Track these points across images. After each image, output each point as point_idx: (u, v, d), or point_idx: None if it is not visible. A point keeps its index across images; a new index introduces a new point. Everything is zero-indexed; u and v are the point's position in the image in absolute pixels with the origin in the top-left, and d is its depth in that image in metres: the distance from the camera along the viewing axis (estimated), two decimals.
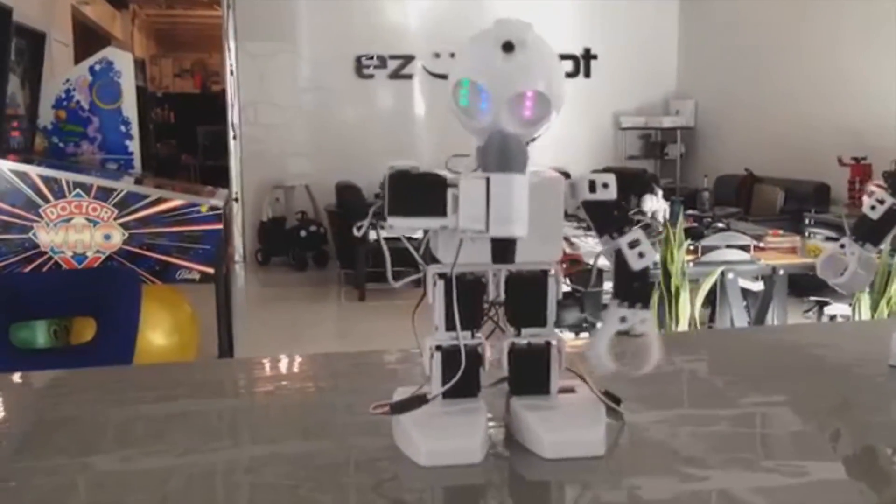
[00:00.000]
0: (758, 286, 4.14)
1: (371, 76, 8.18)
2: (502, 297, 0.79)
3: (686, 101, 8.18)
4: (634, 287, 0.77)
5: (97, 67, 5.29)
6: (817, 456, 0.83)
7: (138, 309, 4.17)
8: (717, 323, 3.99)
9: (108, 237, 4.48)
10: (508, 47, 0.72)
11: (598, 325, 0.81)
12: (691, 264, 3.82)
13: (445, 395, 0.78)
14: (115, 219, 4.43)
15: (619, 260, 0.77)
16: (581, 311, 4.25)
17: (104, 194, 4.38)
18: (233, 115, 7.89)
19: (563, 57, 8.45)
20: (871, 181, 5.70)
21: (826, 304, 4.60)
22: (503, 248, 0.74)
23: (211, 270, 4.56)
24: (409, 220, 0.74)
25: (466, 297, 0.78)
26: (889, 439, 0.91)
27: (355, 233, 0.80)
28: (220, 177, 8.28)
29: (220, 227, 4.62)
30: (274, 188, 7.94)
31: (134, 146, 5.54)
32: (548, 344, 0.80)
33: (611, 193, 0.76)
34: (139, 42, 12.61)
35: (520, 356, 0.79)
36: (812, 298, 4.55)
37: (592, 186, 0.76)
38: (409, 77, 8.24)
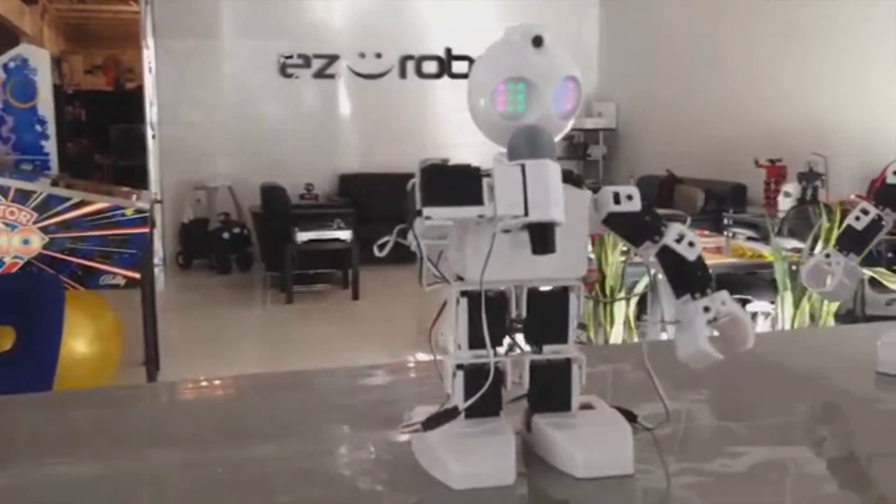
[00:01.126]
0: None
1: (295, 75, 8.07)
2: (523, 313, 0.79)
3: (608, 103, 8.34)
4: (698, 276, 0.77)
5: (11, 65, 5.07)
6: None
7: (61, 317, 4.02)
8: (649, 319, 4.07)
9: (26, 242, 4.30)
10: (538, 41, 0.73)
11: (670, 329, 0.80)
12: (624, 265, 3.89)
13: (468, 414, 0.77)
14: (35, 223, 4.26)
15: (671, 258, 0.77)
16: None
17: (22, 197, 4.20)
18: (151, 113, 7.67)
19: (458, 58, 8.51)
20: (785, 182, 5.93)
21: (748, 301, 4.75)
22: (542, 237, 0.72)
23: (137, 276, 4.43)
24: (446, 210, 0.72)
25: (490, 315, 0.77)
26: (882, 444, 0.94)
27: (377, 252, 0.78)
28: (135, 176, 8.04)
29: (147, 230, 4.48)
30: (195, 189, 7.75)
31: (50, 146, 5.33)
32: (568, 360, 0.79)
33: (636, 205, 0.76)
34: (48, 37, 12.14)
35: (542, 373, 0.79)
36: (735, 296, 4.68)
37: (617, 198, 0.76)
38: (334, 77, 8.17)
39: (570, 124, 0.76)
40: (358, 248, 6.67)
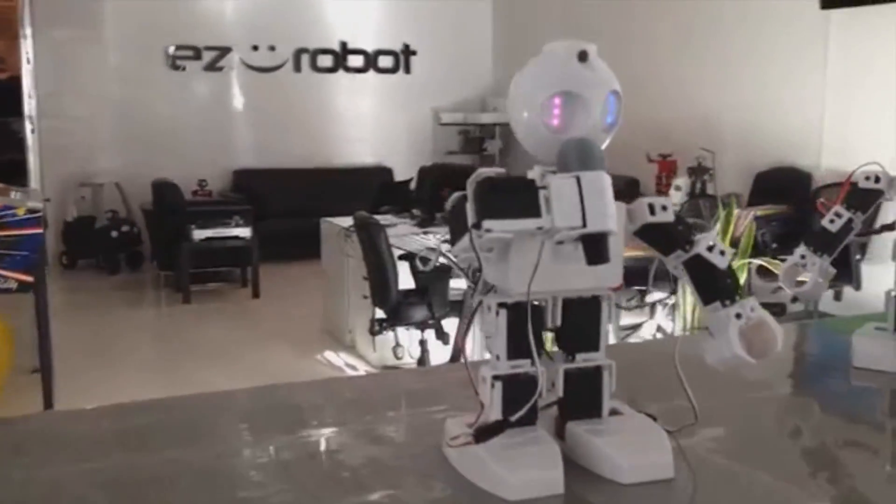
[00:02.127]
0: None
1: (184, 68, 7.82)
2: (558, 323, 0.80)
3: (503, 97, 8.45)
4: (728, 283, 0.79)
5: None
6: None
7: None
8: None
9: None
10: (584, 56, 0.74)
11: (708, 339, 0.81)
12: None
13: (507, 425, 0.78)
14: None
15: (701, 266, 0.79)
16: (429, 308, 4.29)
17: None
18: (30, 106, 7.28)
19: (383, 52, 8.49)
20: (676, 177, 6.17)
21: (646, 292, 4.93)
22: (597, 248, 0.73)
23: (30, 279, 4.20)
24: (505, 223, 0.72)
25: (528, 325, 0.77)
26: (861, 436, 1.00)
27: (420, 266, 0.78)
28: (8, 173, 7.61)
29: (41, 230, 4.26)
30: (80, 185, 7.41)
31: None
32: (599, 367, 0.81)
33: (669, 215, 0.78)
34: None
35: (574, 381, 0.80)
36: (634, 287, 4.85)
37: (652, 210, 0.78)
38: (227, 70, 7.96)
39: (610, 137, 0.78)
40: (257, 245, 6.54)
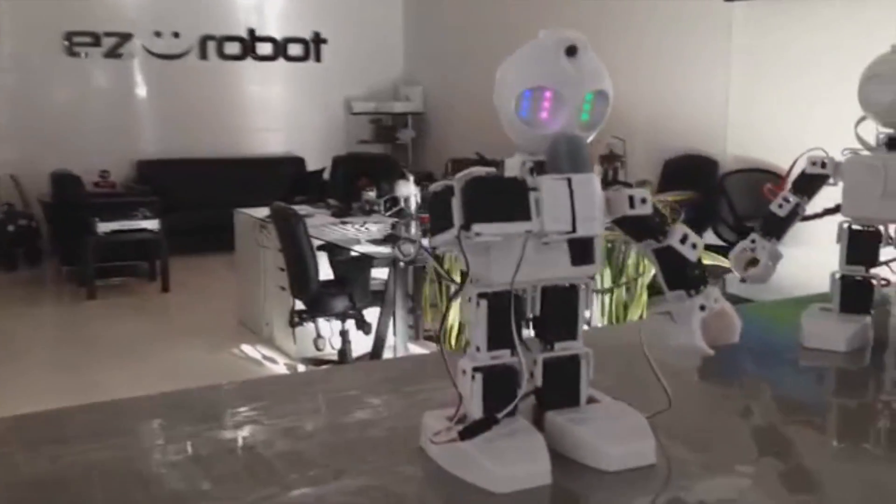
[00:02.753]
0: None
1: (83, 55, 7.50)
2: (537, 313, 0.79)
3: (415, 86, 8.44)
4: (696, 274, 0.80)
5: None
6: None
7: None
8: None
9: None
10: (572, 51, 0.72)
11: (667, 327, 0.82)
12: None
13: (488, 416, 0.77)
14: None
15: (671, 257, 0.79)
16: (350, 298, 4.25)
17: None
18: None
19: (293, 40, 8.34)
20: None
21: None
22: (583, 250, 0.73)
23: None
24: (494, 226, 0.71)
25: (509, 316, 0.76)
26: (808, 414, 1.03)
27: (400, 256, 0.76)
28: None
29: None
30: None
31: None
32: (577, 356, 0.80)
33: (648, 208, 0.78)
34: None
35: (554, 370, 0.79)
36: None
37: (632, 203, 0.78)
38: (128, 57, 7.68)
39: (593, 135, 0.77)
40: (166, 237, 6.35)
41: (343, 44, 8.38)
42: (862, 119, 1.10)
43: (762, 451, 0.88)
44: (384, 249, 4.20)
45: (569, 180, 0.71)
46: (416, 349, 4.35)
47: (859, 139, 1.12)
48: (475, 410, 0.77)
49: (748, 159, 5.37)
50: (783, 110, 5.15)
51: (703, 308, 0.79)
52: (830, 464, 0.85)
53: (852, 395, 1.08)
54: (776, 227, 1.13)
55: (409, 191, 4.88)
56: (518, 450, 0.73)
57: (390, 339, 4.19)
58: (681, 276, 0.80)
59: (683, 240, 0.79)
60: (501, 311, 0.76)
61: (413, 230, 4.40)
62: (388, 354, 4.17)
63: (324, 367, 4.37)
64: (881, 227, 1.12)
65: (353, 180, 5.66)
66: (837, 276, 1.14)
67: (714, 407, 1.01)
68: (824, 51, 4.86)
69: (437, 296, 3.84)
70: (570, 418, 0.79)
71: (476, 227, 0.70)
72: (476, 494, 0.72)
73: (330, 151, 7.84)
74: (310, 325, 4.41)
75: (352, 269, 4.28)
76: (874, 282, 1.12)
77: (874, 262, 1.12)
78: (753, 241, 1.13)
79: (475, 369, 0.76)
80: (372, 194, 5.15)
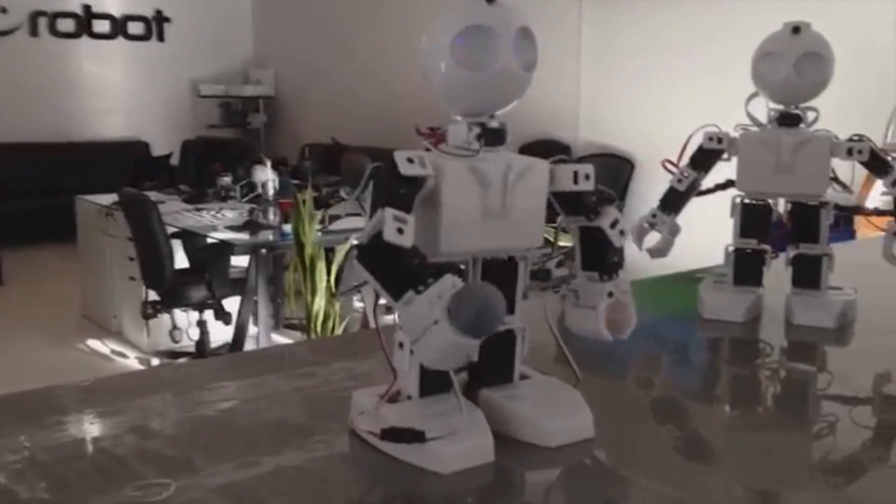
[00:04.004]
0: None
1: None
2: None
3: (266, 70, 8.21)
4: (615, 261, 0.79)
5: None
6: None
7: None
8: (343, 288, 4.11)
9: None
10: None
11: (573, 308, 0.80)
12: (320, 234, 3.89)
13: (423, 392, 0.74)
14: None
15: (597, 238, 0.78)
16: (208, 288, 4.08)
17: None
18: None
19: (133, 18, 7.92)
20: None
21: None
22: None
23: None
24: (367, 275, 0.68)
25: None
26: (704, 384, 1.06)
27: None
28: None
29: None
30: None
31: None
32: (512, 331, 0.78)
33: (590, 184, 0.77)
34: None
35: (491, 345, 0.77)
36: None
37: (576, 178, 0.76)
38: None
39: (531, 78, 0.74)
40: None
41: (188, 23, 8.04)
42: (753, 95, 1.14)
43: (659, 422, 0.88)
44: (244, 236, 4.07)
45: (436, 322, 0.64)
46: (278, 338, 4.24)
47: (749, 116, 1.15)
48: (411, 387, 0.74)
49: (599, 144, 5.57)
50: (630, 97, 5.36)
51: (610, 295, 0.79)
52: (725, 432, 0.87)
53: (745, 364, 1.12)
54: (676, 202, 1.15)
55: (266, 176, 4.76)
56: (462, 427, 0.70)
57: (252, 329, 4.07)
58: (600, 259, 0.80)
59: (613, 224, 0.79)
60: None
61: (272, 216, 4.29)
62: (249, 344, 4.05)
63: (181, 359, 4.19)
64: (771, 202, 1.16)
65: (206, 165, 5.44)
66: (731, 249, 1.18)
67: (618, 381, 1.02)
68: (670, 41, 5.09)
69: (301, 283, 3.75)
70: (506, 395, 0.77)
71: (356, 262, 0.68)
72: (412, 476, 0.69)
73: (177, 136, 7.52)
74: (165, 317, 4.22)
75: (209, 256, 4.12)
76: (765, 254, 1.17)
77: (766, 235, 1.16)
78: (654, 216, 1.15)
79: (412, 342, 0.73)
80: (227, 180, 4.98)
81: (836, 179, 1.13)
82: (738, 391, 1.02)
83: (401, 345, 0.74)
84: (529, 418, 0.74)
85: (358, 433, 0.75)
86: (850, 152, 1.09)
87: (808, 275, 1.15)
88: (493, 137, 0.75)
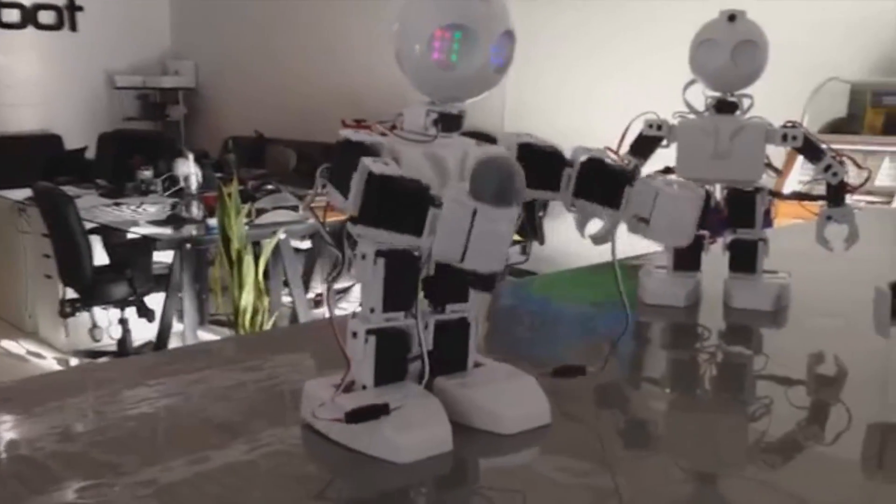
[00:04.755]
0: (306, 244, 4.31)
1: None
2: (432, 272, 0.75)
3: (185, 61, 8.01)
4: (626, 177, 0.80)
5: None
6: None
7: None
8: (272, 282, 4.05)
9: None
10: None
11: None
12: (247, 227, 3.82)
13: (378, 381, 0.72)
14: None
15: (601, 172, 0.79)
16: (130, 284, 3.97)
17: None
18: None
19: (43, 7, 7.62)
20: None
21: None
22: (483, 283, 0.65)
23: None
24: (378, 232, 0.66)
25: (406, 276, 0.72)
26: (645, 368, 1.07)
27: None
28: None
29: None
30: None
31: None
32: (465, 319, 0.78)
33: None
34: None
35: (448, 333, 0.76)
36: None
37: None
38: None
39: (502, 78, 0.73)
40: None
41: (102, 13, 7.78)
42: (691, 83, 1.15)
43: (601, 407, 0.89)
44: (167, 231, 3.97)
45: (474, 212, 0.62)
46: (204, 335, 4.15)
47: (686, 103, 1.17)
48: (366, 376, 0.72)
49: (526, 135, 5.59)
50: (557, 88, 5.42)
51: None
52: (665, 416, 0.88)
53: (686, 348, 1.14)
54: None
55: (188, 169, 4.65)
56: (417, 417, 0.69)
57: (176, 326, 3.97)
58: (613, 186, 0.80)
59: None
60: (399, 270, 0.71)
61: (195, 210, 4.19)
62: (174, 342, 3.95)
63: (102, 359, 4.06)
64: (709, 188, 1.18)
65: (124, 159, 5.28)
66: None
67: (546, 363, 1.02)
68: (596, 32, 5.15)
69: (227, 278, 3.67)
70: (461, 383, 0.76)
71: (358, 229, 0.66)
72: (370, 467, 0.67)
73: (92, 129, 7.27)
74: (84, 315, 4.08)
75: (131, 252, 4.00)
76: (703, 240, 1.18)
77: (704, 220, 1.18)
78: None
79: (368, 332, 0.71)
80: (148, 173, 4.84)
81: (770, 165, 1.16)
82: (679, 375, 1.03)
83: (354, 334, 0.72)
84: (485, 406, 0.74)
85: (312, 425, 0.73)
86: (784, 138, 1.11)
87: (744, 259, 1.17)
88: (450, 123, 0.73)
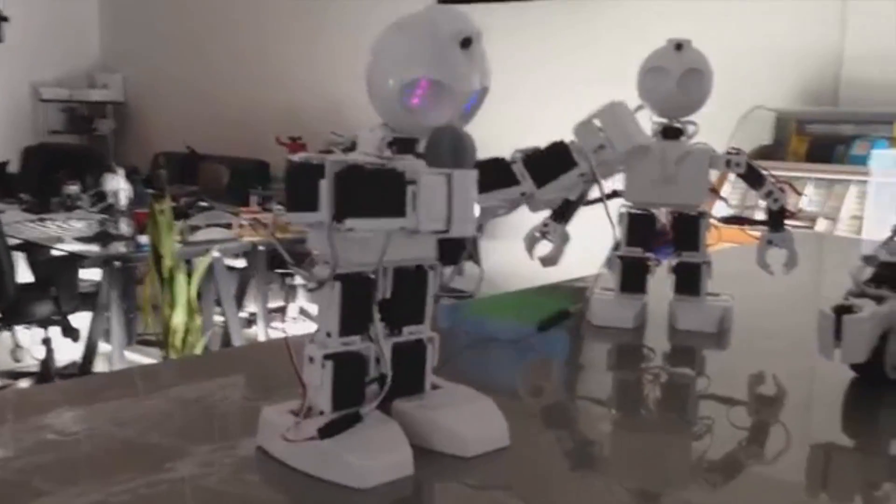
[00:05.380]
0: (240, 263, 4.24)
1: None
2: (388, 294, 0.74)
3: (114, 74, 7.84)
4: None
5: None
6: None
7: None
8: (204, 301, 3.97)
9: None
10: (467, 43, 0.68)
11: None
12: (180, 245, 3.74)
13: (336, 406, 0.71)
14: None
15: None
16: (55, 303, 3.84)
17: None
18: None
19: None
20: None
21: (290, 275, 4.92)
22: (452, 250, 0.70)
23: None
24: (370, 222, 0.65)
25: (363, 299, 0.71)
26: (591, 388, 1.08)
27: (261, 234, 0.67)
28: None
29: None
30: None
31: None
32: (421, 340, 0.77)
33: None
34: None
35: (405, 356, 0.75)
36: (277, 271, 4.82)
37: None
38: None
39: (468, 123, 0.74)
40: None
41: (28, 23, 7.56)
42: (639, 108, 1.17)
43: (549, 426, 0.90)
44: (94, 248, 3.86)
45: (449, 177, 0.66)
46: (132, 356, 4.04)
47: None
48: (323, 402, 0.71)
49: None
50: (497, 110, 5.46)
51: None
52: (611, 436, 0.89)
53: (632, 369, 1.15)
54: (568, 211, 1.17)
55: (118, 185, 4.55)
56: (379, 440, 0.69)
57: (103, 347, 3.86)
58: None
59: None
60: (355, 294, 0.70)
61: (124, 227, 4.10)
62: (100, 363, 3.84)
63: (23, 380, 3.92)
64: (655, 211, 1.20)
65: (50, 173, 5.14)
66: (616, 255, 1.21)
67: (508, 390, 1.02)
68: (534, 55, 5.23)
69: (158, 297, 3.59)
70: (420, 405, 0.75)
71: (350, 223, 0.65)
72: (330, 493, 0.66)
73: (14, 142, 7.04)
74: (5, 335, 3.94)
75: (56, 270, 3.88)
76: (649, 263, 1.21)
77: (650, 243, 1.20)
78: (546, 225, 1.17)
79: (326, 357, 0.70)
80: (75, 188, 4.72)
81: (714, 191, 1.19)
82: (624, 395, 1.05)
83: (311, 359, 0.71)
84: (445, 428, 0.73)
85: (268, 451, 0.71)
86: (728, 164, 1.14)
87: (688, 282, 1.19)
88: (405, 146, 0.73)
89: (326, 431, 0.66)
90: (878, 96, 3.96)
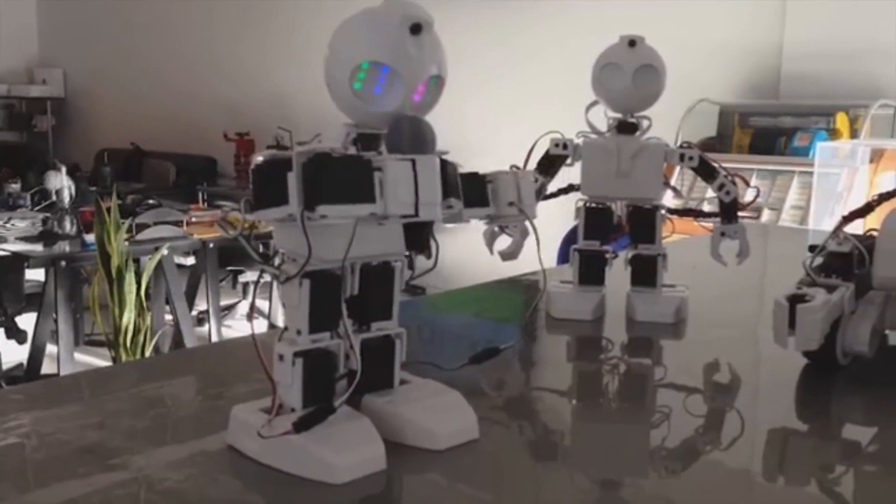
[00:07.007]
0: (190, 260, 4.19)
1: None
2: (356, 291, 0.75)
3: (53, 69, 7.67)
4: None
5: None
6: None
7: None
8: (154, 298, 3.91)
9: None
10: (417, 29, 0.69)
11: None
12: (127, 243, 3.68)
13: (306, 403, 0.72)
14: None
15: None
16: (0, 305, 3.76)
17: None
18: None
19: None
20: (255, 154, 6.16)
21: (241, 272, 4.88)
22: (421, 235, 0.71)
23: None
24: (341, 208, 0.65)
25: (331, 296, 0.71)
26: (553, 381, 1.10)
27: (226, 233, 0.67)
28: None
29: None
30: None
31: None
32: (390, 336, 0.78)
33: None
34: None
35: (374, 352, 0.76)
36: (230, 268, 4.77)
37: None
38: None
39: (426, 114, 0.74)
40: None
41: None
42: (593, 104, 1.19)
43: (513, 417, 0.91)
44: (38, 247, 3.78)
45: (413, 162, 0.68)
46: (80, 356, 3.97)
47: (589, 124, 1.21)
48: (294, 399, 0.71)
49: None
50: (452, 107, 5.47)
51: None
52: (571, 427, 0.91)
53: (591, 361, 1.17)
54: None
55: (60, 183, 4.45)
56: (351, 435, 0.69)
57: (50, 348, 3.78)
58: None
59: None
60: (323, 291, 0.71)
61: (68, 225, 4.02)
62: (47, 364, 3.76)
63: None
64: (612, 205, 1.22)
65: None
66: (575, 249, 1.23)
67: (471, 384, 1.03)
68: (504, 57, 5.24)
69: (106, 296, 3.52)
70: (389, 401, 0.76)
71: (322, 209, 0.65)
72: (302, 489, 0.67)
73: None
74: None
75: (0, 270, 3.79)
76: (606, 255, 1.23)
77: (606, 237, 1.22)
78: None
79: (296, 354, 0.70)
80: (16, 187, 4.61)
81: (668, 184, 1.21)
82: (584, 386, 1.07)
83: (281, 357, 0.71)
84: (415, 422, 0.74)
85: (243, 451, 0.71)
86: (682, 158, 1.17)
87: (645, 274, 1.22)
88: (369, 142, 0.74)
89: (301, 425, 0.67)
90: (817, 89, 4.07)
